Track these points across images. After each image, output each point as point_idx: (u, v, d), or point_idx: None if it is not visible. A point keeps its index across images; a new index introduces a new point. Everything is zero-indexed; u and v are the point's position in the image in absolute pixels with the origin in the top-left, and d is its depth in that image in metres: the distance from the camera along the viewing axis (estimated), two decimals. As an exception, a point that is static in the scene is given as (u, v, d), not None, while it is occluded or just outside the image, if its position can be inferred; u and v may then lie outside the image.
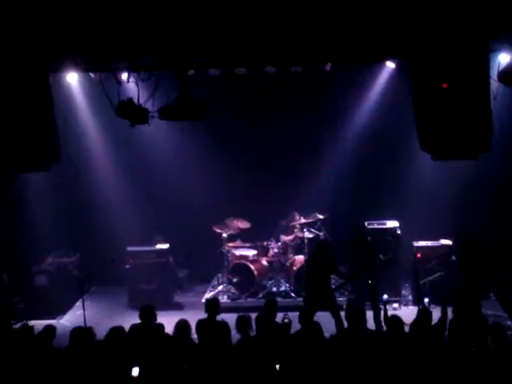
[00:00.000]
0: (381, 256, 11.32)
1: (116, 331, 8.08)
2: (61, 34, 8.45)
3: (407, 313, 11.30)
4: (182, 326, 8.33)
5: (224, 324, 8.61)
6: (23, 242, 13.23)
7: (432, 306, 10.70)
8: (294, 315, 8.50)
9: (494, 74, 8.57)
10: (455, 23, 7.92)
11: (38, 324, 8.83)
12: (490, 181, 12.76)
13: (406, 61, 9.22)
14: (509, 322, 11.28)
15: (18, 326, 8.90)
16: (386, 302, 9.64)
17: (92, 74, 11.39)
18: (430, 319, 8.31)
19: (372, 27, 8.41)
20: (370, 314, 10.38)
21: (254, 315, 8.69)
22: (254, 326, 8.44)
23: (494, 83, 8.56)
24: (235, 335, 8.46)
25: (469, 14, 7.92)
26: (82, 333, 8.17)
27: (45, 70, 8.91)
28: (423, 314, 8.37)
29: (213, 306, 8.96)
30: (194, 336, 8.57)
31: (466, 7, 7.89)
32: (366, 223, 12.05)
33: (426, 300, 10.95)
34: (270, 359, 7.95)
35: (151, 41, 8.53)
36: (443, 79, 7.88)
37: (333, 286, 11.30)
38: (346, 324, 8.62)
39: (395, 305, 12.34)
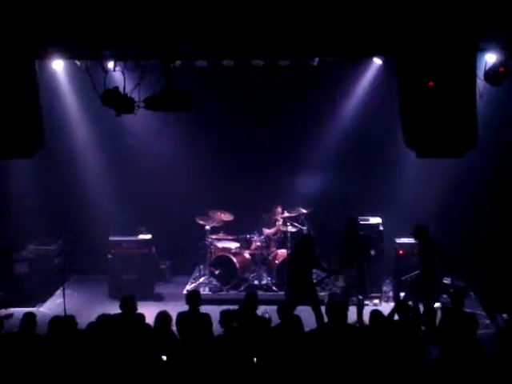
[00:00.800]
0: (372, 251, 11.37)
1: (104, 319, 8.06)
2: (46, 20, 8.35)
3: (388, 309, 11.37)
4: (163, 317, 8.31)
5: (206, 316, 8.59)
6: (3, 229, 13.14)
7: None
8: (275, 309, 8.50)
9: (480, 73, 8.62)
10: (443, 22, 7.93)
11: (18, 311, 8.78)
12: (474, 179, 12.82)
13: (392, 58, 9.23)
14: (487, 321, 11.37)
15: None
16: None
17: (78, 62, 11.32)
18: (407, 313, 8.35)
19: (359, 23, 8.39)
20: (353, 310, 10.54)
21: (235, 308, 8.73)
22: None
23: (481, 82, 8.62)
24: (217, 328, 8.45)
25: (457, 13, 7.93)
26: (61, 322, 8.13)
27: (30, 57, 8.83)
28: (399, 308, 8.41)
29: (194, 298, 8.95)
30: (174, 328, 8.57)
31: (455, 6, 7.90)
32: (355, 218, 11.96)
33: (402, 294, 11.04)
34: (249, 352, 7.95)
35: (139, 30, 8.45)
36: (429, 77, 7.90)
37: (314, 281, 11.34)
38: (326, 319, 8.65)
39: (376, 301, 12.41)
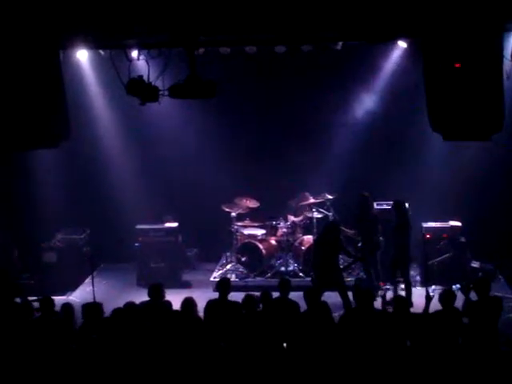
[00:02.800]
0: (381, 238, 11.46)
1: (129, 307, 8.15)
2: (70, 10, 8.40)
3: (415, 293, 11.34)
4: (188, 303, 8.36)
5: (236, 304, 8.62)
6: (33, 219, 13.30)
7: (438, 288, 10.77)
8: (301, 295, 8.51)
9: (507, 53, 8.50)
10: (470, 2, 7.83)
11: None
12: (503, 161, 12.69)
13: (418, 40, 9.13)
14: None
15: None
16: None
17: (102, 51, 11.37)
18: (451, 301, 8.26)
19: (384, 5, 8.33)
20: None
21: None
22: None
23: (508, 63, 8.49)
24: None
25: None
26: (92, 308, 8.27)
27: (54, 47, 8.88)
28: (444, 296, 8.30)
29: (224, 285, 8.97)
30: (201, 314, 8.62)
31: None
32: (368, 195, 11.96)
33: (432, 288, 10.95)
34: (278, 337, 7.98)
35: (162, 17, 8.46)
36: (456, 59, 7.80)
37: (341, 266, 11.33)
38: (353, 304, 8.65)
39: (403, 285, 12.33)
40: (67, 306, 8.62)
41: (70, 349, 7.87)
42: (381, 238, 11.82)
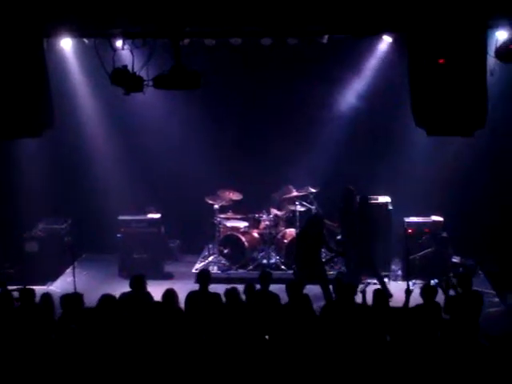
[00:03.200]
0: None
1: (107, 299, 8.12)
2: (55, -2, 8.35)
3: (396, 288, 11.42)
4: (169, 294, 8.36)
5: (216, 295, 8.63)
6: (14, 208, 13.21)
7: (419, 282, 10.83)
8: (283, 287, 8.54)
9: (491, 50, 8.54)
10: (454, -1, 7.86)
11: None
12: (485, 158, 12.79)
13: (403, 35, 9.15)
14: (496, 299, 11.39)
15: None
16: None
17: (86, 40, 11.29)
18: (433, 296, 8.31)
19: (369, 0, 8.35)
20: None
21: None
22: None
23: (491, 59, 8.53)
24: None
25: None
26: (71, 299, 8.23)
27: (38, 35, 8.80)
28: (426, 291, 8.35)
29: (204, 277, 8.97)
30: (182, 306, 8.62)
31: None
32: (353, 189, 12.01)
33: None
34: (260, 329, 8.00)
35: (147, 7, 8.42)
36: (440, 54, 7.82)
37: (323, 260, 11.37)
38: (335, 298, 8.69)
39: (385, 279, 12.40)
40: (46, 296, 8.57)
41: (49, 339, 7.84)
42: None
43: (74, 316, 7.99)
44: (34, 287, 8.73)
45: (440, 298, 8.45)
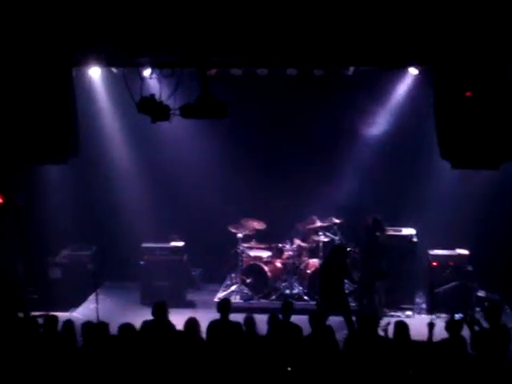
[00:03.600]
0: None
1: (126, 328, 8.11)
2: (84, 27, 8.48)
3: (420, 321, 11.26)
4: (191, 323, 8.34)
5: (237, 324, 8.59)
6: (40, 234, 13.29)
7: (442, 316, 10.69)
8: (305, 318, 8.48)
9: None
10: (480, 32, 7.86)
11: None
12: (509, 192, 12.65)
13: (429, 68, 9.16)
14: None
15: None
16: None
17: (114, 69, 11.43)
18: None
19: (396, 33, 8.37)
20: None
21: (265, 317, 8.75)
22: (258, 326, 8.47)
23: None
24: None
25: (495, 22, 7.85)
26: (94, 328, 8.23)
27: (67, 64, 8.95)
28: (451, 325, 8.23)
29: (224, 306, 8.94)
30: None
31: (492, 16, 7.82)
32: (381, 219, 11.96)
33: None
34: (282, 360, 7.93)
35: (175, 38, 8.53)
36: (467, 87, 7.82)
37: (347, 291, 11.29)
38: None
39: (408, 312, 12.27)
40: (68, 324, 8.53)
41: (72, 367, 7.84)
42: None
43: (96, 344, 7.98)
44: (57, 313, 8.73)
45: (465, 332, 8.31)
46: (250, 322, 8.49)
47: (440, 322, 8.68)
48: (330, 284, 10.81)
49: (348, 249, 11.78)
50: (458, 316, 8.91)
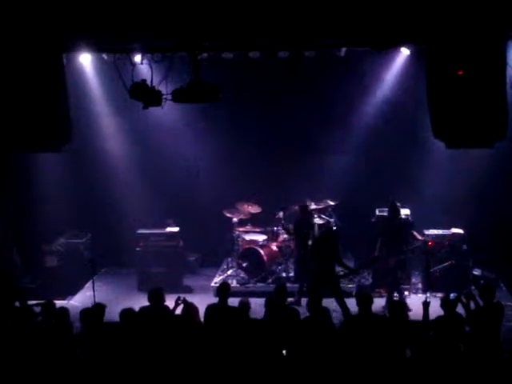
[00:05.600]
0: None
1: (127, 313, 8.13)
2: (74, 13, 8.41)
3: (417, 301, 11.30)
4: (189, 308, 8.35)
5: (235, 309, 8.61)
6: (35, 223, 13.27)
7: (438, 295, 10.71)
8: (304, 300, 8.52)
9: (511, 61, 8.48)
10: (473, 10, 7.82)
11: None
12: (507, 170, 12.64)
13: (421, 47, 9.12)
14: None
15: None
16: None
17: (105, 55, 11.36)
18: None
19: (388, 12, 8.33)
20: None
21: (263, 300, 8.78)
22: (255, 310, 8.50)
23: (511, 71, 8.47)
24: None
25: (487, 1, 7.82)
26: (92, 312, 8.25)
27: (57, 50, 8.88)
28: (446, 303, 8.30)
29: (223, 290, 8.96)
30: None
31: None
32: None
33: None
34: (279, 344, 7.96)
35: (166, 22, 8.48)
36: (459, 66, 7.79)
37: (341, 273, 11.36)
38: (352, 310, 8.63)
39: (405, 292, 12.31)
40: (62, 311, 8.49)
41: (71, 354, 7.85)
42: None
43: (96, 330, 7.99)
44: (54, 301, 8.72)
45: (462, 310, 8.37)
46: (244, 305, 8.50)
47: (435, 301, 8.72)
48: (320, 265, 10.84)
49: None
50: (452, 295, 8.94)
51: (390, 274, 11.50)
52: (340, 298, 10.62)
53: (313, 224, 12.54)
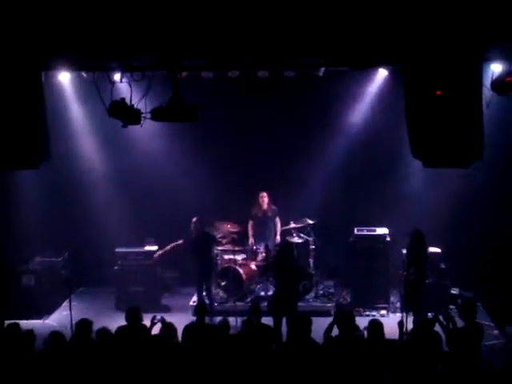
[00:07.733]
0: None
1: (103, 332, 8.06)
2: (53, 32, 8.38)
3: (395, 320, 11.30)
4: (167, 328, 8.30)
5: (212, 327, 8.58)
6: (11, 242, 13.13)
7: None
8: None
9: (487, 82, 8.60)
10: (450, 32, 7.92)
11: (24, 324, 8.76)
12: (483, 190, 12.77)
13: (399, 67, 9.21)
14: (496, 331, 11.30)
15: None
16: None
17: (84, 74, 11.35)
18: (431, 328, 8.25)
19: (366, 33, 8.40)
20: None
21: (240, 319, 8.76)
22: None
23: (487, 91, 8.59)
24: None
25: (463, 23, 7.91)
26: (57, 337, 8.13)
27: (36, 69, 8.84)
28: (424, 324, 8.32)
29: (201, 308, 8.92)
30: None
31: (461, 17, 7.89)
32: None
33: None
34: (255, 362, 7.93)
35: (145, 41, 8.47)
36: (437, 86, 7.87)
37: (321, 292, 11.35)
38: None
39: (383, 311, 12.34)
40: (28, 333, 8.36)
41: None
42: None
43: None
44: (31, 321, 8.61)
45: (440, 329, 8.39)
46: (225, 324, 8.48)
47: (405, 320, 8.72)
48: (278, 280, 10.83)
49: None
50: (429, 314, 8.95)
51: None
52: (291, 315, 10.44)
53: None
